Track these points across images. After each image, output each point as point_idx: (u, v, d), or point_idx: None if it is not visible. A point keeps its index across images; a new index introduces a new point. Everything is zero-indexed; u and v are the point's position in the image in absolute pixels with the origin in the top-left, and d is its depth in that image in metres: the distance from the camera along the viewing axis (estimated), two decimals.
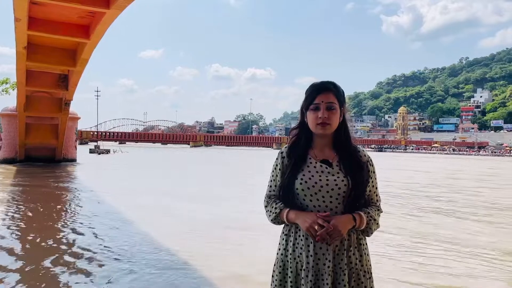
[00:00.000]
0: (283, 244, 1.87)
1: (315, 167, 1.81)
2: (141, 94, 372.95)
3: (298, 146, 1.88)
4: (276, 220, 1.85)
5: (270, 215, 1.87)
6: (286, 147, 1.94)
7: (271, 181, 1.94)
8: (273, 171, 1.93)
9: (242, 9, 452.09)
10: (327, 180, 1.77)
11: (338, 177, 1.78)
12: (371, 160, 1.88)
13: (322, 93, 1.82)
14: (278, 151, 1.99)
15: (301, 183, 1.78)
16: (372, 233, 1.84)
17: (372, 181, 1.87)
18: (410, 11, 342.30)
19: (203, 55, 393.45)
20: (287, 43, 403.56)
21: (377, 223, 1.85)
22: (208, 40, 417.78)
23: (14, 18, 12.29)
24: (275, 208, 1.84)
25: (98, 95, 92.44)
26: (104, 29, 13.31)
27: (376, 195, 1.89)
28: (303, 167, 1.82)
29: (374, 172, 1.88)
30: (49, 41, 15.29)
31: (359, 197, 1.80)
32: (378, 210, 1.87)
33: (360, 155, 1.85)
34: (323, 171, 1.80)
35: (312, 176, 1.79)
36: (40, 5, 12.19)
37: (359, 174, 1.80)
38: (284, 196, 1.85)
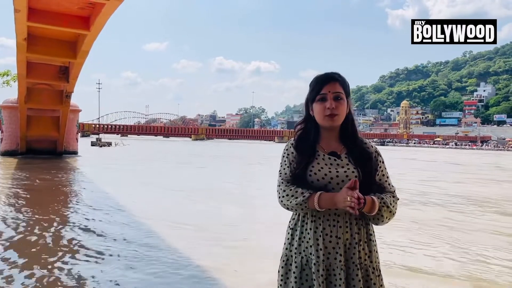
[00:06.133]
0: (288, 239, 1.84)
1: (323, 159, 1.79)
2: (144, 87, 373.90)
3: (307, 140, 1.84)
4: (303, 205, 1.72)
5: (295, 199, 1.73)
6: (294, 139, 1.88)
7: (284, 168, 1.83)
8: (285, 160, 1.84)
9: (247, 2, 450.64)
10: (337, 172, 1.76)
11: (348, 169, 1.77)
12: (378, 151, 1.89)
13: (329, 83, 1.79)
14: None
15: (310, 175, 1.76)
16: (383, 221, 1.75)
17: (382, 170, 1.84)
18: (416, 4, 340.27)
19: (207, 48, 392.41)
20: (292, 36, 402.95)
21: (391, 211, 1.75)
22: (213, 33, 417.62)
23: (13, 9, 12.22)
24: (302, 193, 1.72)
25: (99, 88, 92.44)
26: (104, 20, 13.23)
27: (389, 184, 1.85)
28: (312, 160, 1.78)
29: (382, 162, 1.87)
30: (49, 32, 15.19)
31: (370, 187, 1.77)
32: (393, 196, 1.81)
33: (367, 146, 1.85)
34: (332, 163, 1.78)
35: (322, 168, 1.76)
36: None
37: (368, 165, 1.79)
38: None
